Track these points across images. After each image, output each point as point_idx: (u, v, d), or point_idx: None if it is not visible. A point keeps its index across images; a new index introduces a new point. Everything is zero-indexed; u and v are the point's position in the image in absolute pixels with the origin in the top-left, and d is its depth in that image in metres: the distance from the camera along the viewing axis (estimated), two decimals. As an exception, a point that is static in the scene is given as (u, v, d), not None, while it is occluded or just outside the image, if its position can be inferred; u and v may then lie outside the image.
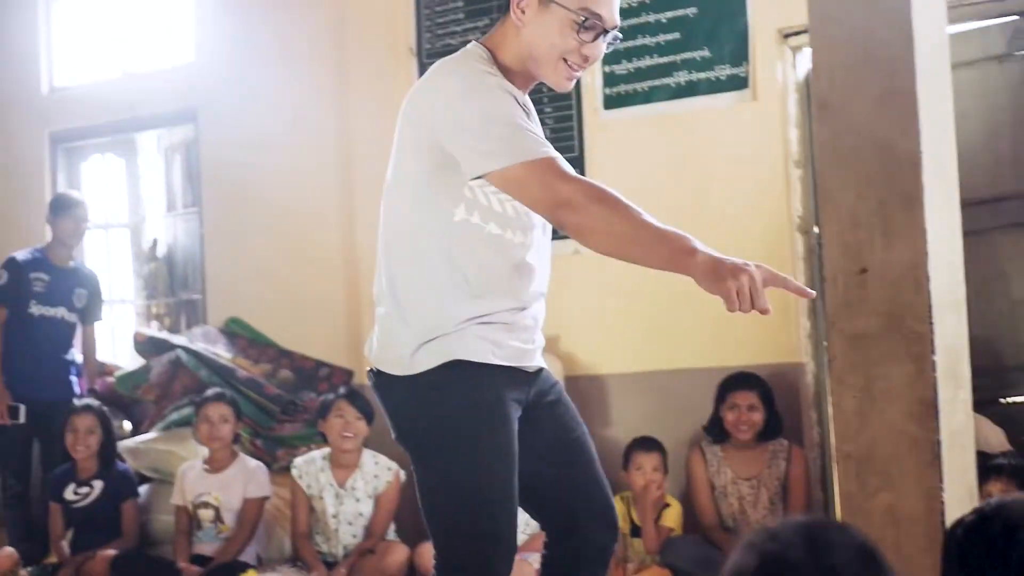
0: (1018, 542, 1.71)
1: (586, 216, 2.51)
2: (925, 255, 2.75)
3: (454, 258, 2.72)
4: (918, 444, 2.67)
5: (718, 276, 2.38)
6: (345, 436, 5.51)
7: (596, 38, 2.76)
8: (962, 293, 2.94)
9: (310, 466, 5.59)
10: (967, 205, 5.34)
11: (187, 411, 6.03)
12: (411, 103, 2.79)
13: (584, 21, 2.73)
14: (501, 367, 2.75)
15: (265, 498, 5.66)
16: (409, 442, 2.82)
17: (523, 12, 2.76)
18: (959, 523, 1.77)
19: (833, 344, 2.81)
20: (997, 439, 4.82)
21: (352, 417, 5.52)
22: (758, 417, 5.20)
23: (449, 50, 6.25)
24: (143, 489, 6.08)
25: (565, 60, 2.77)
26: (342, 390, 5.75)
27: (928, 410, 2.67)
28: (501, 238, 2.74)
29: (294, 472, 5.59)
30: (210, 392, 5.80)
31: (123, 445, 6.16)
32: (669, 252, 2.47)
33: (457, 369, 2.70)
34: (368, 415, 5.54)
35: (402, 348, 2.74)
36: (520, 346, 2.81)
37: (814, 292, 2.51)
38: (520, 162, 2.56)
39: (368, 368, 2.91)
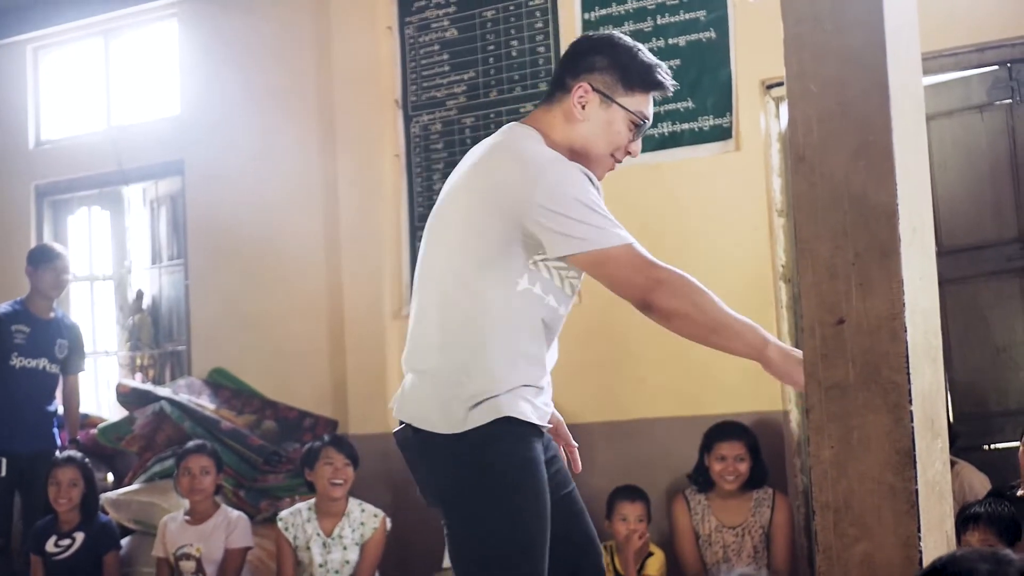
0: None
1: (679, 301, 2.80)
2: (902, 305, 2.75)
3: (516, 325, 2.85)
4: (895, 493, 2.66)
5: (790, 366, 2.85)
6: (335, 483, 5.51)
7: (638, 135, 3.01)
8: (939, 342, 2.94)
9: (296, 517, 5.57)
10: (948, 253, 5.42)
11: (170, 463, 6.01)
12: (488, 174, 2.89)
13: (638, 122, 2.98)
14: (535, 426, 2.89)
15: (247, 548, 5.64)
16: (453, 497, 2.90)
17: (583, 108, 2.95)
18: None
19: (810, 395, 2.81)
20: (981, 485, 4.83)
21: (341, 464, 5.52)
22: (745, 468, 5.20)
23: (434, 102, 6.35)
24: (125, 541, 6.05)
25: (612, 154, 3.01)
26: (327, 437, 5.76)
27: (905, 459, 2.67)
28: (556, 311, 2.92)
29: (280, 524, 5.57)
30: (191, 444, 5.79)
31: (105, 497, 6.14)
32: (746, 345, 2.86)
33: (504, 427, 2.82)
34: (355, 461, 5.55)
35: (455, 407, 2.83)
36: (544, 408, 2.97)
37: None
38: (615, 245, 2.79)
39: (404, 425, 2.96)
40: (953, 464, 4.76)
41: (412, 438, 2.91)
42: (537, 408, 2.91)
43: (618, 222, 2.86)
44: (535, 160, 2.86)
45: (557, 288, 2.92)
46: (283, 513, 5.64)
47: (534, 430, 2.89)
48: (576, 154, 2.97)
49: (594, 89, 2.98)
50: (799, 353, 2.74)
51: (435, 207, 3.04)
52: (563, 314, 2.96)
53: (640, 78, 2.99)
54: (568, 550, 3.07)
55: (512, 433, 2.84)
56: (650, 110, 3.03)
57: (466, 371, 2.84)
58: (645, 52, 3.04)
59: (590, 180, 2.90)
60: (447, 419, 2.84)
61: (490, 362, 2.84)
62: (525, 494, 2.85)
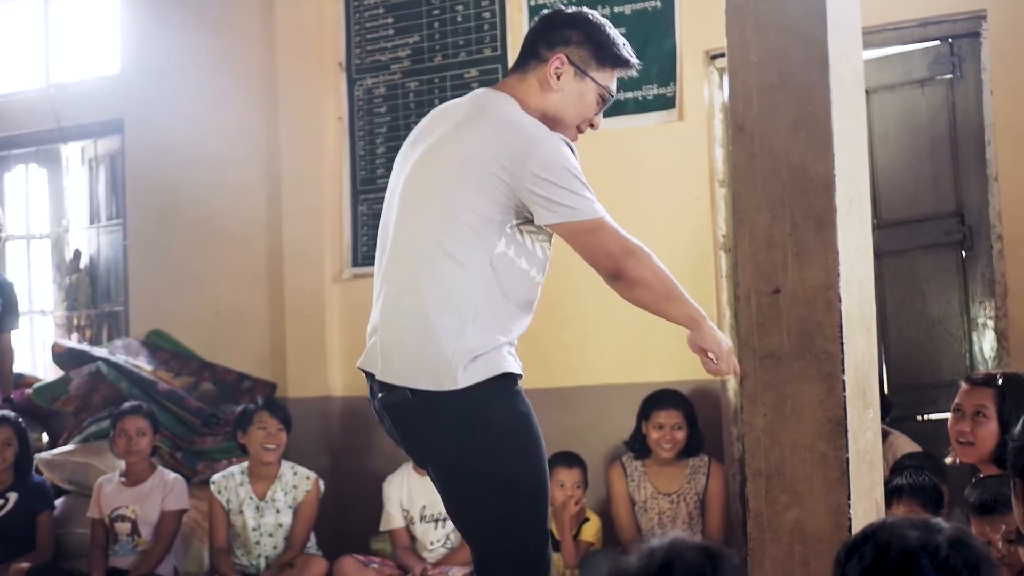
0: (887, 562, 1.74)
1: (646, 271, 3.00)
2: (837, 276, 2.79)
3: (497, 287, 3.00)
4: (827, 461, 2.70)
5: (720, 338, 3.03)
6: (267, 448, 5.49)
7: (602, 109, 3.22)
8: (873, 313, 2.98)
9: (229, 481, 5.56)
10: (887, 226, 5.47)
11: (106, 423, 5.96)
12: (478, 141, 3.01)
13: (606, 96, 3.17)
14: (519, 378, 3.08)
15: (183, 511, 5.61)
16: (459, 458, 3.02)
17: (558, 78, 3.12)
18: (844, 543, 1.81)
19: (745, 363, 2.84)
20: None
21: (274, 429, 5.50)
22: (682, 436, 5.24)
23: (378, 66, 6.30)
24: (60, 502, 6.00)
25: (578, 126, 3.20)
26: (260, 401, 5.73)
27: (837, 428, 2.71)
28: (527, 274, 3.06)
29: (213, 488, 5.55)
30: (127, 405, 5.73)
31: (40, 457, 6.08)
32: (687, 315, 3.06)
33: (502, 382, 2.99)
34: (288, 426, 5.54)
35: (450, 366, 2.95)
36: (520, 361, 3.11)
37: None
38: (597, 217, 2.98)
39: (396, 386, 3.04)
40: (886, 435, 4.82)
41: (411, 400, 3.00)
42: (517, 361, 3.08)
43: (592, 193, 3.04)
44: (529, 129, 3.02)
45: (530, 252, 3.06)
46: (216, 477, 5.62)
47: (518, 381, 3.07)
48: (547, 121, 3.10)
49: (570, 62, 3.13)
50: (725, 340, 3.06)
51: (405, 172, 3.14)
52: (534, 276, 3.09)
53: (612, 55, 3.17)
54: None
55: (508, 388, 3.02)
56: (615, 87, 3.21)
57: (459, 331, 2.96)
58: (614, 30, 3.21)
59: (572, 151, 3.05)
60: (444, 378, 2.96)
61: (479, 321, 2.97)
62: (529, 444, 3.03)
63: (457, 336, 2.95)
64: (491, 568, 3.06)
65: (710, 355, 3.04)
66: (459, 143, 3.04)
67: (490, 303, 3.00)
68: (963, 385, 3.75)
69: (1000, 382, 3.66)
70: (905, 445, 4.94)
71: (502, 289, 3.02)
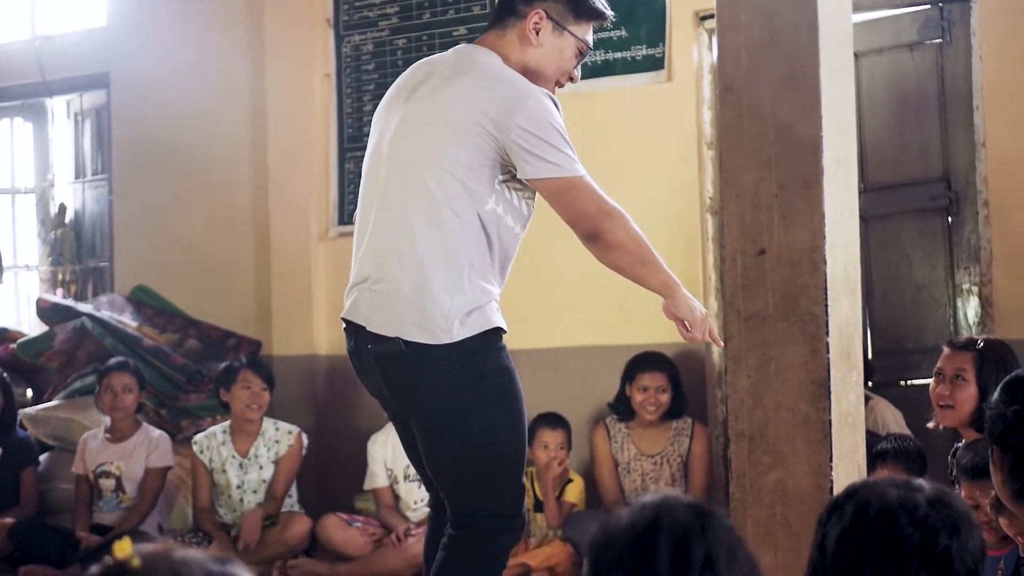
0: (867, 520, 1.75)
1: (622, 234, 3.04)
2: (823, 238, 2.79)
3: (487, 242, 3.06)
4: (809, 423, 2.71)
5: (691, 306, 3.07)
6: (251, 407, 5.49)
7: (580, 62, 3.26)
8: (857, 276, 2.98)
9: (211, 440, 5.56)
10: (874, 190, 5.47)
11: (91, 379, 5.96)
12: (466, 95, 3.05)
13: (584, 49, 3.22)
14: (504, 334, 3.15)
15: (167, 468, 5.62)
16: (447, 407, 3.07)
17: (537, 33, 3.14)
18: (827, 502, 1.82)
19: (729, 324, 2.84)
20: (895, 420, 4.91)
21: (258, 388, 5.50)
22: (666, 398, 5.25)
23: (366, 22, 6.26)
24: (44, 457, 6.00)
25: (558, 80, 3.23)
26: (244, 359, 5.72)
27: (820, 390, 2.72)
28: (512, 230, 3.12)
29: (195, 447, 5.56)
30: (113, 361, 5.72)
31: (25, 413, 6.07)
32: (664, 278, 3.10)
33: (492, 337, 3.07)
34: (271, 385, 5.54)
35: (442, 318, 2.99)
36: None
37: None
38: (579, 175, 3.03)
39: (387, 337, 3.05)
40: (868, 399, 4.83)
41: (404, 351, 3.02)
42: (502, 317, 3.15)
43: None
44: (515, 83, 3.07)
45: (516, 208, 3.12)
46: (197, 437, 5.62)
47: (502, 337, 3.14)
48: (528, 76, 3.14)
49: (548, 16, 3.15)
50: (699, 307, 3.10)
51: (392, 126, 3.16)
52: (518, 232, 3.15)
53: (588, 8, 3.21)
54: None
55: (496, 342, 3.10)
56: (591, 40, 3.26)
57: (455, 285, 3.01)
58: None
59: (557, 107, 3.07)
60: (438, 331, 3.00)
61: (472, 275, 3.03)
62: (513, 400, 3.11)
63: (453, 290, 3.00)
64: (467, 520, 3.10)
65: (685, 323, 3.08)
66: (445, 97, 3.07)
67: (481, 258, 3.05)
68: (945, 349, 3.77)
69: (980, 346, 3.67)
70: (886, 410, 4.95)
71: (491, 244, 3.07)
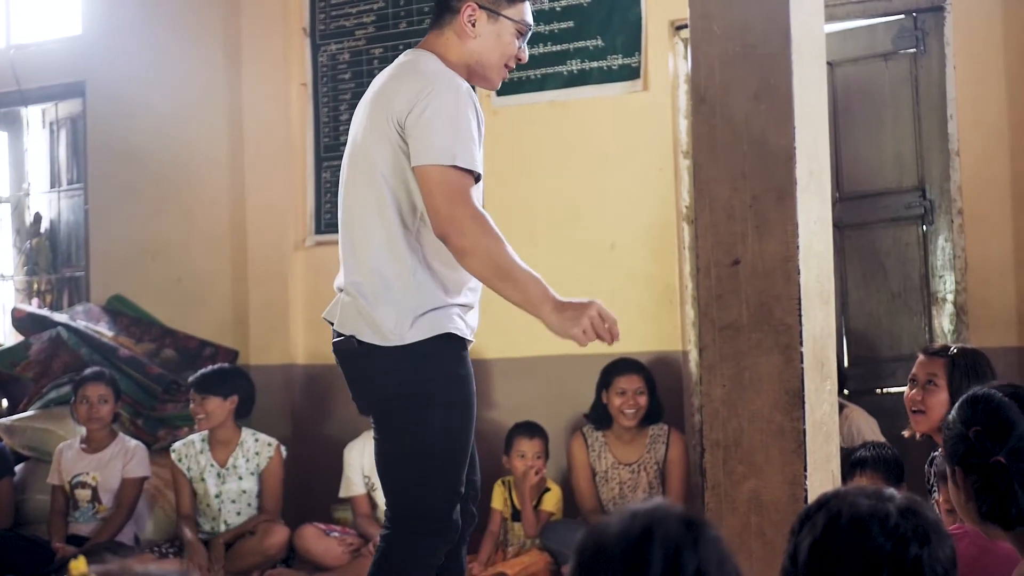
0: (838, 529, 1.76)
1: (471, 241, 2.94)
2: (796, 248, 2.81)
3: (431, 241, 3.05)
4: (783, 433, 2.72)
5: (564, 325, 2.99)
6: (199, 417, 5.48)
7: (524, 42, 3.26)
8: (831, 286, 3.00)
9: (189, 448, 5.55)
10: (849, 199, 5.50)
11: (67, 389, 5.93)
12: (388, 96, 3.09)
13: (523, 30, 3.22)
14: (467, 342, 3.17)
15: (144, 478, 5.60)
16: (389, 405, 3.13)
17: (473, 25, 3.18)
18: (799, 513, 1.83)
19: (704, 334, 2.85)
20: (870, 428, 4.93)
21: (198, 400, 5.47)
22: (644, 401, 5.25)
23: (343, 31, 6.27)
24: (20, 468, 5.97)
25: (506, 64, 3.24)
26: (198, 377, 5.65)
27: (794, 400, 2.73)
28: None
29: (173, 456, 5.54)
30: (89, 371, 5.70)
31: (0, 423, 6.04)
32: (526, 299, 2.99)
33: (443, 342, 3.07)
34: (216, 392, 5.50)
35: (395, 322, 3.04)
36: (473, 325, 3.23)
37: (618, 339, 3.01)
38: (444, 164, 2.95)
39: (344, 337, 3.14)
40: (842, 408, 4.86)
41: (356, 349, 3.10)
42: (468, 325, 3.18)
43: (477, 150, 3.05)
44: (425, 76, 3.08)
45: None
46: (176, 444, 5.60)
47: (465, 345, 3.16)
48: (472, 69, 3.21)
49: (480, 7, 3.19)
50: (580, 302, 2.99)
51: (351, 139, 3.25)
52: None
53: None
54: None
55: (449, 348, 3.10)
56: (530, 17, 3.27)
57: (402, 289, 3.06)
58: None
59: (474, 105, 3.08)
60: (388, 332, 3.05)
61: (420, 279, 3.07)
62: (457, 407, 3.12)
63: (401, 294, 3.05)
64: (397, 522, 3.16)
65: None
66: (377, 105, 3.12)
67: (426, 260, 3.09)
68: (920, 356, 3.80)
69: (953, 352, 3.70)
70: (860, 419, 4.97)
71: (435, 245, 3.07)
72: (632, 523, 1.53)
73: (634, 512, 1.56)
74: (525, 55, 3.29)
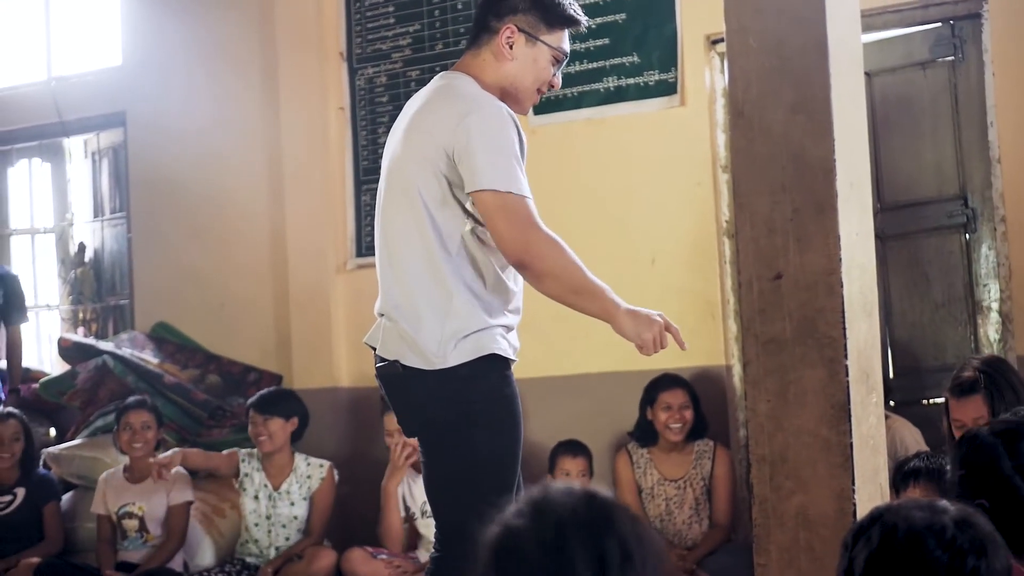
0: (894, 543, 1.75)
1: (551, 264, 3.00)
2: (839, 260, 2.79)
3: (476, 265, 3.10)
4: (830, 447, 2.70)
5: (638, 330, 3.03)
6: (260, 440, 5.51)
7: (559, 69, 3.29)
8: (875, 297, 2.98)
9: (252, 460, 5.61)
10: (890, 209, 5.46)
11: (113, 417, 5.97)
12: (428, 118, 3.12)
13: (560, 57, 3.25)
14: (511, 361, 3.16)
15: (189, 503, 5.61)
16: (436, 428, 3.15)
17: (510, 48, 3.20)
18: (851, 527, 1.82)
19: (748, 349, 2.84)
20: (914, 439, 4.87)
21: (260, 422, 5.51)
22: (690, 415, 5.24)
23: (379, 55, 6.30)
24: (68, 496, 6.00)
25: (538, 89, 3.27)
26: (256, 399, 5.69)
27: (840, 413, 2.71)
28: (495, 250, 3.09)
29: (240, 454, 5.62)
30: (131, 399, 5.72)
31: (48, 452, 6.09)
32: (604, 306, 3.06)
33: (487, 363, 3.07)
34: (283, 414, 5.55)
35: (438, 345, 3.06)
36: (516, 344, 3.22)
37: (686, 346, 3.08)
38: (513, 192, 2.98)
39: (387, 361, 3.17)
40: (886, 418, 4.81)
41: (401, 373, 3.12)
42: (512, 344, 3.18)
43: (522, 173, 3.06)
44: (466, 98, 3.10)
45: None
46: (244, 451, 5.65)
47: (509, 365, 3.15)
48: (506, 91, 3.22)
49: (519, 29, 3.20)
50: (648, 312, 3.06)
51: (385, 164, 3.27)
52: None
53: (559, 16, 3.25)
54: None
55: (494, 369, 3.09)
56: (568, 45, 3.29)
57: (443, 312, 3.06)
58: None
59: (516, 126, 3.10)
60: (432, 356, 3.07)
61: (461, 302, 3.06)
62: (503, 428, 3.12)
63: (443, 317, 3.06)
64: (447, 545, 3.17)
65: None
66: (416, 127, 3.14)
67: (467, 283, 3.09)
68: (950, 399, 3.77)
69: (984, 385, 3.70)
70: (904, 429, 4.91)
71: (476, 268, 3.10)
72: (541, 519, 1.50)
73: (535, 504, 1.52)
74: (559, 82, 3.31)
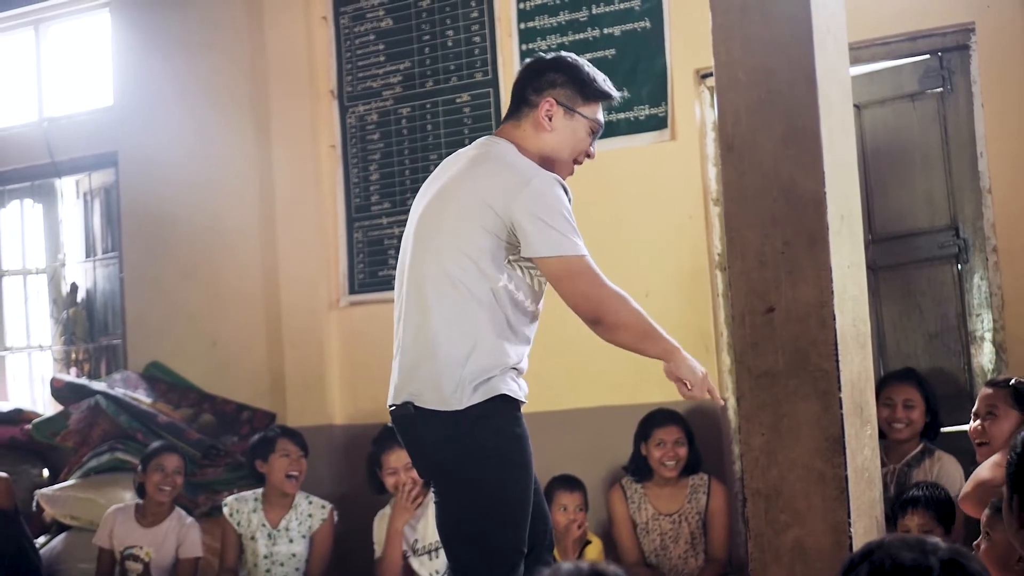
0: None
1: (624, 315, 3.20)
2: (831, 293, 2.79)
3: (501, 316, 3.24)
4: (825, 480, 2.69)
5: (693, 368, 3.17)
6: (291, 476, 5.49)
7: (594, 140, 3.48)
8: (867, 330, 2.97)
9: (242, 505, 5.54)
10: (881, 241, 5.47)
11: (106, 458, 5.96)
12: (479, 181, 3.28)
13: (596, 128, 3.44)
14: (521, 403, 3.29)
15: (198, 559, 5.56)
16: (447, 468, 3.27)
17: (550, 120, 3.37)
18: (843, 562, 1.81)
19: (741, 382, 2.83)
20: (960, 477, 4.61)
21: (296, 455, 5.51)
22: (684, 452, 5.23)
23: (370, 92, 6.31)
24: (61, 537, 5.98)
25: (575, 159, 3.46)
26: (278, 428, 5.71)
27: (835, 446, 2.70)
28: (523, 304, 3.30)
29: (225, 510, 5.53)
30: (159, 444, 5.71)
31: (41, 493, 6.06)
32: (665, 347, 3.22)
33: (499, 404, 3.21)
34: (306, 451, 5.55)
35: (457, 388, 3.19)
36: (525, 387, 3.35)
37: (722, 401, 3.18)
38: (578, 256, 3.18)
39: (399, 403, 3.31)
40: (932, 452, 4.75)
41: (413, 414, 3.25)
42: (521, 387, 3.31)
43: (579, 236, 3.25)
44: (524, 169, 3.27)
45: (528, 285, 3.31)
46: (228, 499, 5.58)
47: (519, 406, 3.28)
48: (545, 161, 3.37)
49: (558, 103, 3.38)
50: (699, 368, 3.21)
51: (417, 213, 3.42)
52: (529, 307, 3.33)
53: (594, 91, 3.43)
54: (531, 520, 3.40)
55: (505, 410, 3.23)
56: (602, 117, 3.48)
57: (465, 357, 3.19)
58: (591, 67, 3.48)
59: (566, 191, 3.27)
60: (448, 397, 3.19)
61: (485, 348, 3.20)
62: (515, 467, 3.24)
63: (463, 362, 3.19)
64: None
65: (686, 382, 3.20)
66: (462, 184, 3.30)
67: (493, 331, 3.22)
68: (983, 390, 3.83)
69: (1012, 382, 3.72)
70: (951, 466, 4.69)
71: (505, 319, 3.25)
72: None
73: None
74: (594, 153, 3.50)
